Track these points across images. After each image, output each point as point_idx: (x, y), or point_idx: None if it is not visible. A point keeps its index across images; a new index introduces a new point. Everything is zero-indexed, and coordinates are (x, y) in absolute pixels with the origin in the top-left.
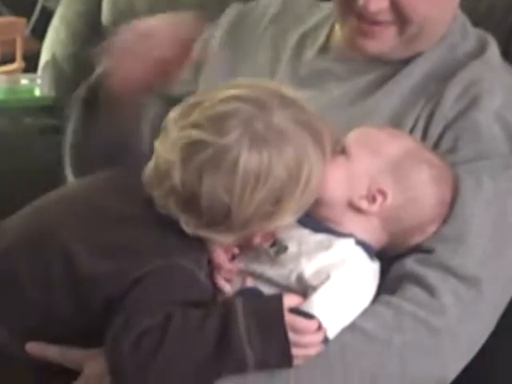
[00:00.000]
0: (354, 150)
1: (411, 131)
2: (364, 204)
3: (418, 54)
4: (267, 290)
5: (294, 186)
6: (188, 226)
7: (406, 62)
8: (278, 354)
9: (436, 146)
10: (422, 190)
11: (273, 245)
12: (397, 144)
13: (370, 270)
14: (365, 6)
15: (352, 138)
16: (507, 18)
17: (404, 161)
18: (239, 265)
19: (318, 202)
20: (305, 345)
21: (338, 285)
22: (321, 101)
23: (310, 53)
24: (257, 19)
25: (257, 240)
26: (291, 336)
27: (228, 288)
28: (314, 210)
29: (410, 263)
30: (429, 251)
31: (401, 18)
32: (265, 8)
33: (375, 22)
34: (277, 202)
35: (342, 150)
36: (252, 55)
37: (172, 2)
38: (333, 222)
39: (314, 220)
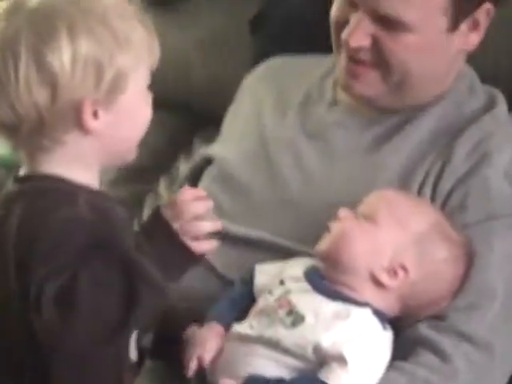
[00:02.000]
0: (381, 219)
1: (421, 186)
2: (384, 277)
3: (420, 108)
4: (282, 359)
5: None
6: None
7: (411, 116)
8: None
9: (445, 202)
10: (442, 268)
11: (289, 314)
12: (423, 218)
13: (386, 339)
14: (346, 41)
15: (378, 204)
16: None
17: (428, 237)
18: (251, 331)
19: (338, 268)
20: None
21: (358, 361)
22: (329, 153)
23: (319, 107)
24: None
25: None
26: None
27: None
28: (332, 274)
29: (423, 329)
30: (442, 317)
31: (382, 62)
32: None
33: (359, 62)
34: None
35: (367, 217)
36: (255, 115)
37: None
38: (350, 289)
39: (329, 286)
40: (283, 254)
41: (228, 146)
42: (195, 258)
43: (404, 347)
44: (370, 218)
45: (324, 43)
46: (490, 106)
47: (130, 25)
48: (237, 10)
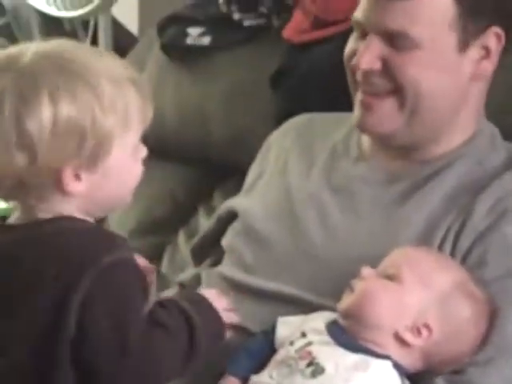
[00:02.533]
0: (405, 278)
1: (442, 242)
2: (408, 336)
3: (442, 164)
4: None
5: None
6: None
7: (434, 173)
8: None
9: (464, 259)
10: (465, 326)
11: (309, 365)
12: (446, 275)
13: None
14: (357, 64)
15: (401, 263)
16: None
17: (452, 295)
18: (270, 381)
19: (361, 325)
20: None
21: None
22: (353, 208)
23: (344, 161)
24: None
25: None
26: None
27: None
28: (355, 330)
29: (440, 383)
30: (460, 372)
31: (395, 86)
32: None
33: (373, 94)
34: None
35: (388, 276)
36: (281, 171)
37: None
38: (374, 344)
39: (351, 340)
40: (305, 307)
41: (252, 199)
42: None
43: None
44: (393, 277)
45: (346, 97)
46: (510, 163)
47: (121, 89)
48: (256, 64)
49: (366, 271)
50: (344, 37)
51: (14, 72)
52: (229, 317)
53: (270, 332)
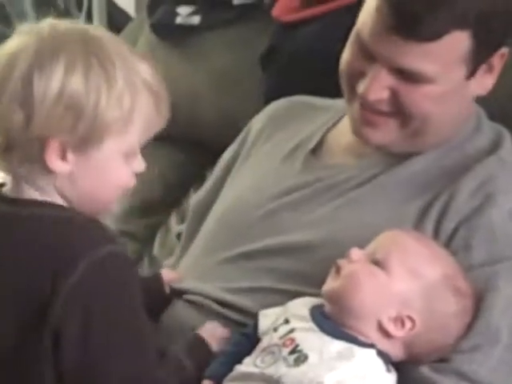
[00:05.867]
0: (393, 268)
1: (416, 226)
2: (391, 327)
3: (419, 151)
4: None
5: None
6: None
7: (405, 158)
8: None
9: (449, 241)
10: (450, 321)
11: (292, 352)
12: (436, 268)
13: (389, 381)
14: (364, 94)
15: (391, 250)
16: None
17: (439, 289)
18: (254, 369)
19: (345, 311)
20: None
21: None
22: (318, 197)
23: (298, 162)
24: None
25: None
26: None
27: None
28: (338, 316)
29: (426, 371)
30: (445, 359)
31: (402, 111)
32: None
33: (378, 112)
34: None
35: (377, 262)
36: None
37: None
38: (356, 331)
39: (334, 326)
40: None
41: (227, 188)
42: None
43: None
44: (381, 263)
45: (335, 79)
46: (496, 145)
47: (134, 91)
48: (246, 43)
49: (356, 253)
50: (333, 16)
51: (37, 35)
52: (221, 343)
53: (252, 327)
